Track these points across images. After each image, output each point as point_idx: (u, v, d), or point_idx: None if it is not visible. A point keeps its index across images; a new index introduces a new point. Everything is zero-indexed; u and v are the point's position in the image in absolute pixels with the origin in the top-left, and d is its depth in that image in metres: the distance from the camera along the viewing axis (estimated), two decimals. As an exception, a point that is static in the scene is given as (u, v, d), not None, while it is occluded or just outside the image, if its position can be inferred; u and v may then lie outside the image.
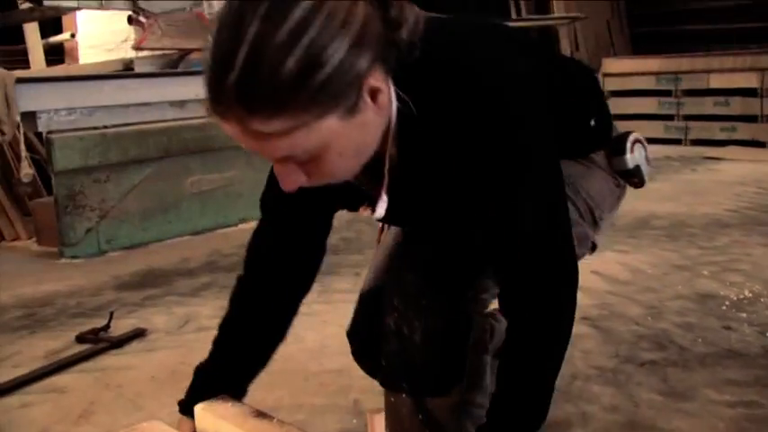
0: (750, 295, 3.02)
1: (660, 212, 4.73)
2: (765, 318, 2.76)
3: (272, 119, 1.02)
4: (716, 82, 8.44)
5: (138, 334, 2.77)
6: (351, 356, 1.69)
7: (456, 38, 1.26)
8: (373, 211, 1.30)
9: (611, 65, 9.42)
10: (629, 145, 1.57)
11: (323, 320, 2.83)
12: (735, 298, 2.99)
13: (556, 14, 9.73)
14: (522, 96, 1.21)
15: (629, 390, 2.22)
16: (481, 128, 1.19)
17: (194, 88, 4.71)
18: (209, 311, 3.04)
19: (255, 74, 0.99)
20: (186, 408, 1.44)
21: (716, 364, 2.37)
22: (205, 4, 5.28)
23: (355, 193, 1.33)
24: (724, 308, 2.89)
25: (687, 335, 2.63)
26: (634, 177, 1.59)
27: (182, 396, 1.47)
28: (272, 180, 1.42)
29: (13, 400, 2.31)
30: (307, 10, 1.00)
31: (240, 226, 4.69)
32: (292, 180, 1.14)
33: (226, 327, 1.53)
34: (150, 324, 2.94)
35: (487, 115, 1.18)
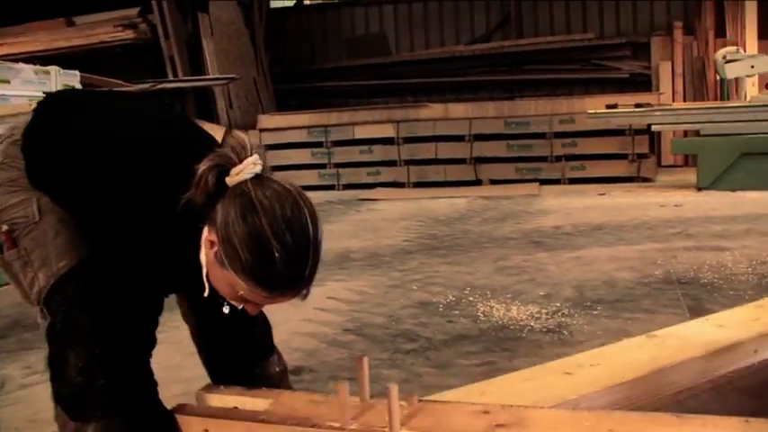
0: (453, 299, 4.03)
1: (353, 247, 5.68)
2: (471, 311, 3.76)
3: None
4: (360, 132, 9.82)
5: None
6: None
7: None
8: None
9: (266, 121, 10.38)
10: None
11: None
12: (444, 302, 3.98)
13: (211, 76, 10.39)
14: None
15: (408, 368, 3.03)
16: None
17: None
18: (15, 372, 3.22)
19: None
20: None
21: (455, 344, 3.28)
22: None
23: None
24: (441, 309, 3.85)
25: (425, 330, 3.52)
26: None
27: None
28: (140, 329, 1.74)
29: None
30: None
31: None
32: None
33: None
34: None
35: None
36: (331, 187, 9.89)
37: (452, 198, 8.32)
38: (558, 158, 9.28)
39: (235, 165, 1.53)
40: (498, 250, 5.31)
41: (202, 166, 1.53)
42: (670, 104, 9.13)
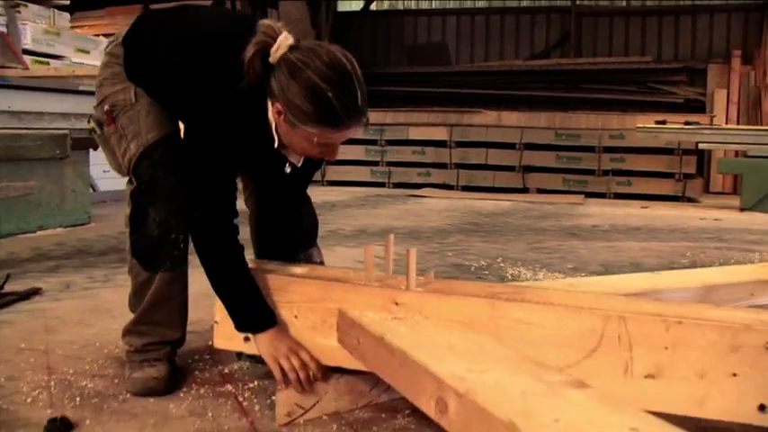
0: (485, 264, 4.27)
1: (397, 226, 5.96)
2: (500, 273, 4.00)
3: None
4: (414, 133, 10.12)
5: (36, 291, 3.28)
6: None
7: None
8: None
9: (325, 116, 10.73)
10: None
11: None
12: (477, 265, 4.22)
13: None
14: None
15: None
16: None
17: (5, 101, 5.10)
18: (79, 279, 3.60)
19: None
20: (271, 321, 1.94)
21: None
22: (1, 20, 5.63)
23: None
24: (472, 269, 4.10)
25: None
26: None
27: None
28: (212, 189, 1.96)
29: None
30: None
31: (39, 233, 5.07)
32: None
33: (239, 269, 2.00)
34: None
35: None
36: (381, 184, 10.18)
37: (498, 201, 8.54)
38: (606, 172, 9.44)
39: (271, 45, 1.83)
40: (535, 236, 5.53)
41: (247, 56, 1.83)
42: (719, 125, 9.23)
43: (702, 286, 2.45)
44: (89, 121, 2.23)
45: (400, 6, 13.47)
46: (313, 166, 2.24)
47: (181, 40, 2.09)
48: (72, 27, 8.19)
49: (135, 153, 2.09)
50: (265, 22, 1.89)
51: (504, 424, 1.20)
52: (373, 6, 13.52)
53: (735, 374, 1.61)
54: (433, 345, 1.60)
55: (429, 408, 1.44)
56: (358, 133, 1.94)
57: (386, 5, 13.55)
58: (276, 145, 1.94)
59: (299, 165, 2.06)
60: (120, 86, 2.13)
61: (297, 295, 1.97)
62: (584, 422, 1.21)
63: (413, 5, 13.39)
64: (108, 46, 2.24)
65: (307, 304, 1.96)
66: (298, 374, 1.89)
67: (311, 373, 1.90)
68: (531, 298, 1.81)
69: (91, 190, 6.18)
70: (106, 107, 2.13)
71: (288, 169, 2.06)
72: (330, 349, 1.92)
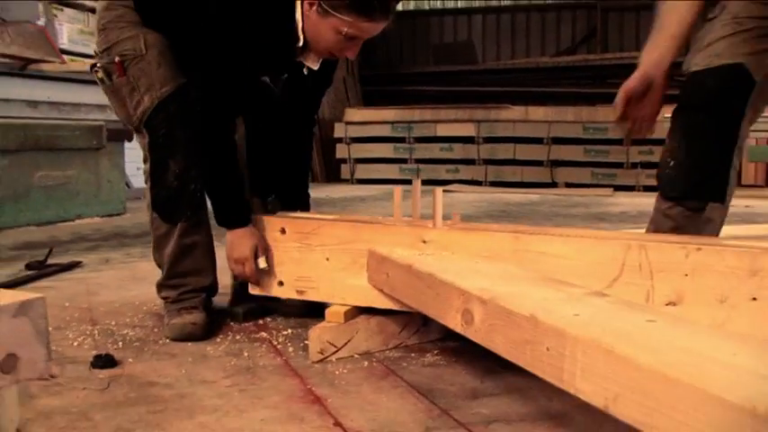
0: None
1: (427, 213, 6.02)
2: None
3: None
4: (442, 130, 10.16)
5: (77, 264, 3.40)
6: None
7: None
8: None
9: (353, 114, 10.82)
10: None
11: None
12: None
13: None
14: None
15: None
16: None
17: (45, 92, 5.25)
18: (117, 255, 3.72)
19: None
20: (240, 223, 2.12)
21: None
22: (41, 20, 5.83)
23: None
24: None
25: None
26: None
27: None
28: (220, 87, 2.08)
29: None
30: None
31: (77, 221, 5.22)
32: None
33: (229, 165, 2.13)
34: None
35: None
36: (409, 182, 10.19)
37: (527, 194, 8.57)
38: (635, 165, 9.42)
39: None
40: (563, 220, 5.58)
41: None
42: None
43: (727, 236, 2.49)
44: (93, 69, 2.24)
45: (426, 6, 13.56)
46: (324, 81, 2.34)
47: None
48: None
49: (149, 106, 2.13)
50: None
51: (525, 318, 1.27)
52: (399, 7, 13.63)
53: (755, 299, 1.65)
54: (460, 269, 1.67)
55: (456, 323, 1.51)
56: (380, 29, 2.00)
57: (411, 6, 13.64)
58: (300, 43, 2.03)
59: (316, 68, 2.14)
60: (128, 33, 2.16)
61: (328, 237, 2.05)
62: (603, 316, 1.27)
63: (438, 5, 13.47)
64: None
65: (338, 246, 2.04)
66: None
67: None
68: (554, 232, 1.88)
69: (126, 186, 6.32)
70: (116, 58, 2.15)
71: (312, 67, 2.14)
72: (361, 289, 1.99)
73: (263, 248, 2.14)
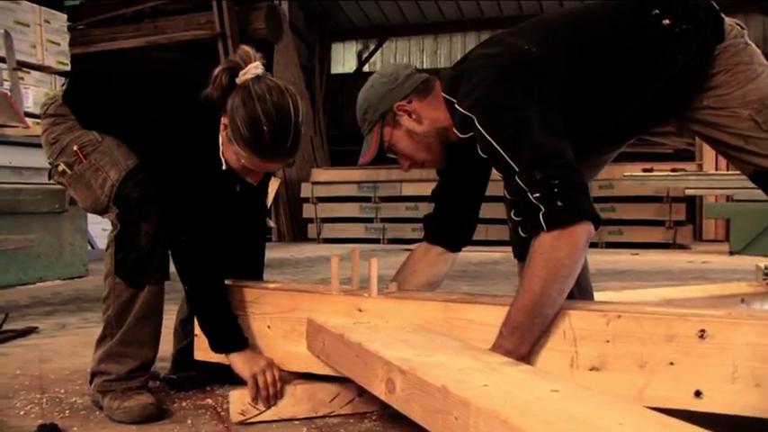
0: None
1: (389, 274, 6.07)
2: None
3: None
4: (408, 190, 10.31)
5: (33, 329, 3.43)
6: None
7: None
8: None
9: (319, 174, 10.96)
10: None
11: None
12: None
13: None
14: None
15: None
16: None
17: (6, 156, 5.30)
18: (74, 320, 3.75)
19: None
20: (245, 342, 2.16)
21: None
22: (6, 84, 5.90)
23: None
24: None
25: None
26: None
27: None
28: (191, 212, 2.17)
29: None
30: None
31: (38, 284, 5.23)
32: None
33: (220, 294, 2.22)
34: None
35: None
36: (376, 241, 10.34)
37: (490, 252, 8.68)
38: (596, 222, 9.57)
39: (242, 68, 2.01)
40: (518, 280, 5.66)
41: (218, 69, 2.03)
42: (705, 171, 9.43)
43: (662, 299, 2.59)
44: (50, 174, 2.31)
45: (392, 68, 13.80)
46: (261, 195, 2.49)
47: (133, 77, 2.27)
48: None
49: (117, 178, 2.17)
50: (245, 47, 2.07)
51: (437, 389, 1.34)
52: (366, 68, 13.90)
53: (672, 363, 1.74)
54: (388, 338, 1.75)
55: (380, 390, 1.58)
56: (279, 169, 2.13)
57: (377, 67, 13.90)
58: (224, 166, 2.13)
59: (256, 184, 2.21)
60: (80, 132, 2.23)
61: (270, 306, 2.12)
62: (510, 386, 1.35)
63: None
64: (46, 109, 2.32)
65: (279, 314, 2.11)
66: (268, 391, 2.05)
67: (278, 389, 2.07)
68: (482, 300, 1.96)
69: (89, 247, 6.35)
70: (75, 147, 2.21)
71: (238, 188, 2.27)
72: (299, 356, 2.06)
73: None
